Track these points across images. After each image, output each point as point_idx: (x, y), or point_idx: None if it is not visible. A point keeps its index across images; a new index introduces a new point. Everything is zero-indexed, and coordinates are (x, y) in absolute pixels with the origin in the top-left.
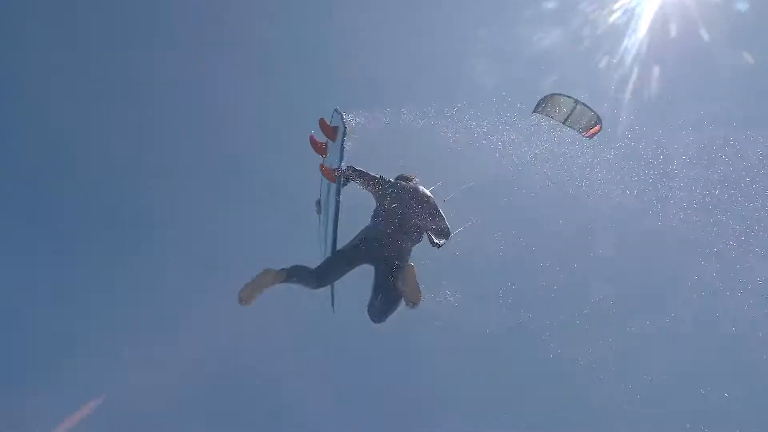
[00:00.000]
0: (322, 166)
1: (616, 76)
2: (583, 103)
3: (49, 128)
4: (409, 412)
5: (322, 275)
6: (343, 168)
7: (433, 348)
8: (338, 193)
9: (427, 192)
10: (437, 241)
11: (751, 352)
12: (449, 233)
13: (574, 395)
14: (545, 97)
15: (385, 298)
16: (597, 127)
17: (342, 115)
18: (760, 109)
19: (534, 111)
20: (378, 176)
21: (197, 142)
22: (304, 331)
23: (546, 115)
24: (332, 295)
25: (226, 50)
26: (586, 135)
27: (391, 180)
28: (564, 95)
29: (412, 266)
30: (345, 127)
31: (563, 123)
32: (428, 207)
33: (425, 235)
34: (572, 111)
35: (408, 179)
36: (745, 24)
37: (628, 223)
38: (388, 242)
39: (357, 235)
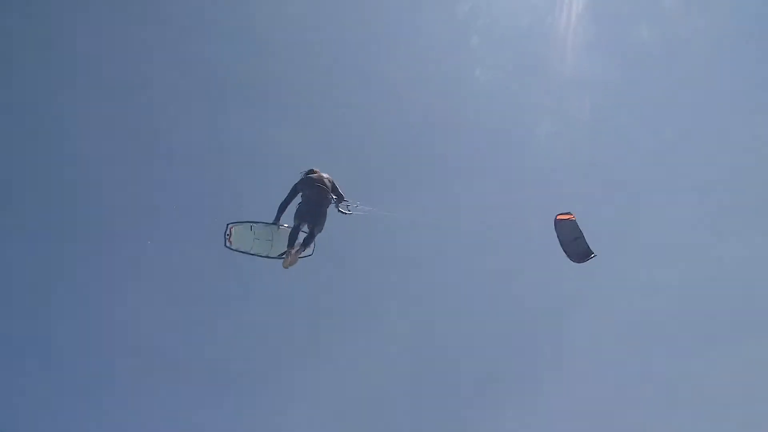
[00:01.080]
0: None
1: None
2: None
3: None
4: None
5: (293, 234)
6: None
7: None
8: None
9: (327, 175)
10: (341, 210)
11: None
12: (343, 197)
13: None
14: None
15: (311, 231)
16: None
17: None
18: None
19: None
20: (291, 189)
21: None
22: None
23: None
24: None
25: None
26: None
27: (300, 180)
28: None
29: (293, 253)
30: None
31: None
32: (329, 183)
33: (333, 201)
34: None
35: (313, 172)
36: None
37: None
38: (311, 208)
39: (295, 213)
